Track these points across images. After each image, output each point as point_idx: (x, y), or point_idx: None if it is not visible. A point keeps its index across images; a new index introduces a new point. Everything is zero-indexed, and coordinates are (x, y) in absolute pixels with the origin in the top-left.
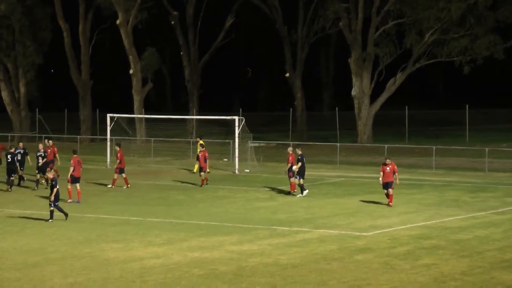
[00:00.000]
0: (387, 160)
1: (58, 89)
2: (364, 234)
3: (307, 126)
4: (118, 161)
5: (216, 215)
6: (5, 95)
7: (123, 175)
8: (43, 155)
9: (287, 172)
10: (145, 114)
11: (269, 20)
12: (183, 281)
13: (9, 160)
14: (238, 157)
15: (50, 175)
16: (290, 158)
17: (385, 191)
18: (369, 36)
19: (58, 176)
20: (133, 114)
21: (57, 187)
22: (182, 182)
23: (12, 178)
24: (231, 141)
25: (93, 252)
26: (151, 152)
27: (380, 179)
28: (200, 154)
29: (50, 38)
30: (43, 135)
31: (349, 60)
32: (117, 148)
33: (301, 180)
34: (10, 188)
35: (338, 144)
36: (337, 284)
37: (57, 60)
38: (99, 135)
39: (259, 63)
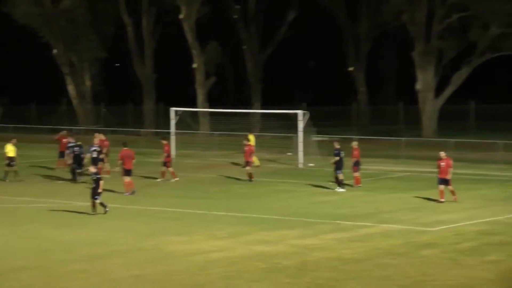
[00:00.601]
0: (441, 154)
1: (123, 82)
2: (429, 229)
3: (370, 120)
4: (165, 154)
5: (279, 209)
6: (71, 88)
7: (165, 168)
8: (98, 149)
9: (351, 166)
10: (209, 107)
11: (332, 13)
12: (246, 275)
13: (76, 153)
14: (302, 151)
15: (92, 169)
16: (355, 152)
17: (440, 187)
18: (433, 29)
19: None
20: (197, 107)
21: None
22: (240, 177)
23: (79, 171)
24: (295, 135)
25: (158, 244)
26: (214, 146)
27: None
28: (246, 149)
29: (113, 32)
30: (108, 129)
31: (412, 54)
32: (164, 142)
33: (341, 174)
34: (75, 179)
35: (402, 138)
36: (402, 279)
37: (121, 53)
38: (163, 129)
39: (322, 57)
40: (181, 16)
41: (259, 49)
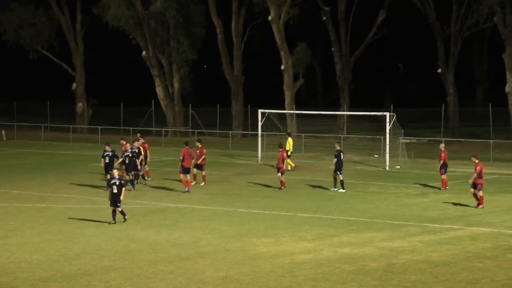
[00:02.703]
0: (472, 158)
1: (211, 84)
2: None
3: (459, 122)
4: (202, 157)
5: (367, 211)
6: (159, 90)
7: (195, 170)
8: (129, 154)
9: (439, 169)
10: (296, 109)
11: (421, 15)
12: (333, 277)
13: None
14: (389, 153)
15: (115, 174)
16: (442, 154)
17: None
18: None
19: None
20: (284, 109)
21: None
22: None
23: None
24: (382, 137)
25: (244, 246)
26: (302, 148)
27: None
28: (279, 154)
29: (203, 35)
30: (196, 130)
31: (503, 56)
32: (199, 145)
33: (341, 175)
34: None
35: (491, 141)
36: (490, 283)
37: (209, 56)
38: (251, 131)
39: (410, 59)
40: (270, 18)
41: (348, 51)
